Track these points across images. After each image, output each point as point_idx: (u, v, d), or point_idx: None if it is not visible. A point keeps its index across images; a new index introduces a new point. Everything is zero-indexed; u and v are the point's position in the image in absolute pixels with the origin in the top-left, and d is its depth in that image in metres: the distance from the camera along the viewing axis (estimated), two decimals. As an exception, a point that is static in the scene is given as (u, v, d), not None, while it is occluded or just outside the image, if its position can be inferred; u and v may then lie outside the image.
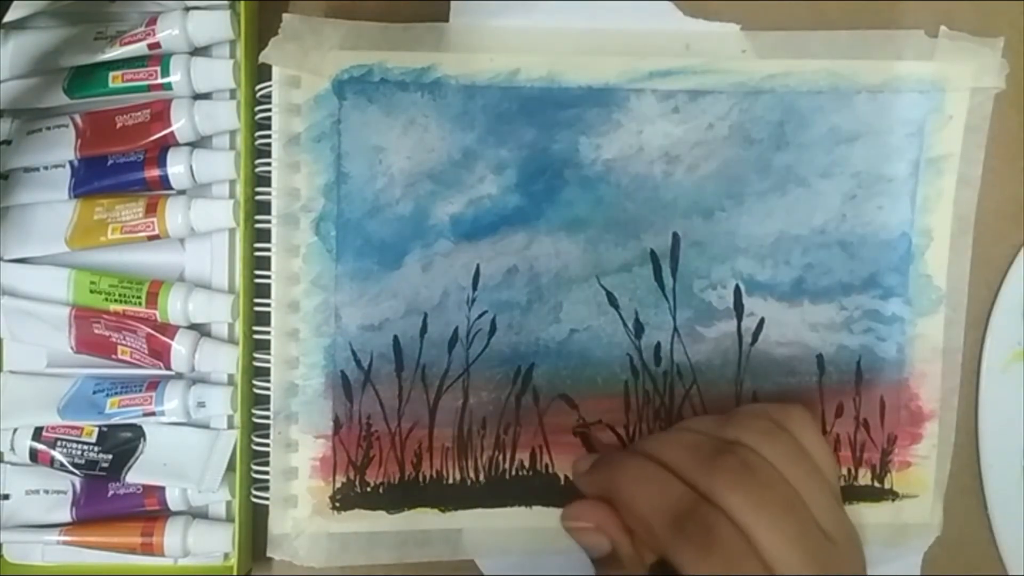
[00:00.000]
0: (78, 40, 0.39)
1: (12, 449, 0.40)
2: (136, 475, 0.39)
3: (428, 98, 0.40)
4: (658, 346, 0.42)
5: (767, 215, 0.42)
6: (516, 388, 0.41)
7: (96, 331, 0.39)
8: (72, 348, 0.39)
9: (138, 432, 0.40)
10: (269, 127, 0.40)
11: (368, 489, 0.41)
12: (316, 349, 0.40)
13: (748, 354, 0.42)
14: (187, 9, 0.39)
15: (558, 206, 0.41)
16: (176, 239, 0.40)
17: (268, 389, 0.40)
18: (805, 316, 0.42)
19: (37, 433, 0.40)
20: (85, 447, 0.40)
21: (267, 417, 0.40)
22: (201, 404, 0.39)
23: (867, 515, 0.43)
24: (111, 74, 0.39)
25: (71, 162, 0.39)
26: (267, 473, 0.40)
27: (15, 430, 0.40)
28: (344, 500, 0.41)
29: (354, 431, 0.41)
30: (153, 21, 0.38)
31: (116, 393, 0.39)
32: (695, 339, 0.42)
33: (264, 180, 0.40)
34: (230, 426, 0.40)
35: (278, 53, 0.39)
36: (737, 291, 0.42)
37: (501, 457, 0.42)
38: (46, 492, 0.40)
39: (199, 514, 0.40)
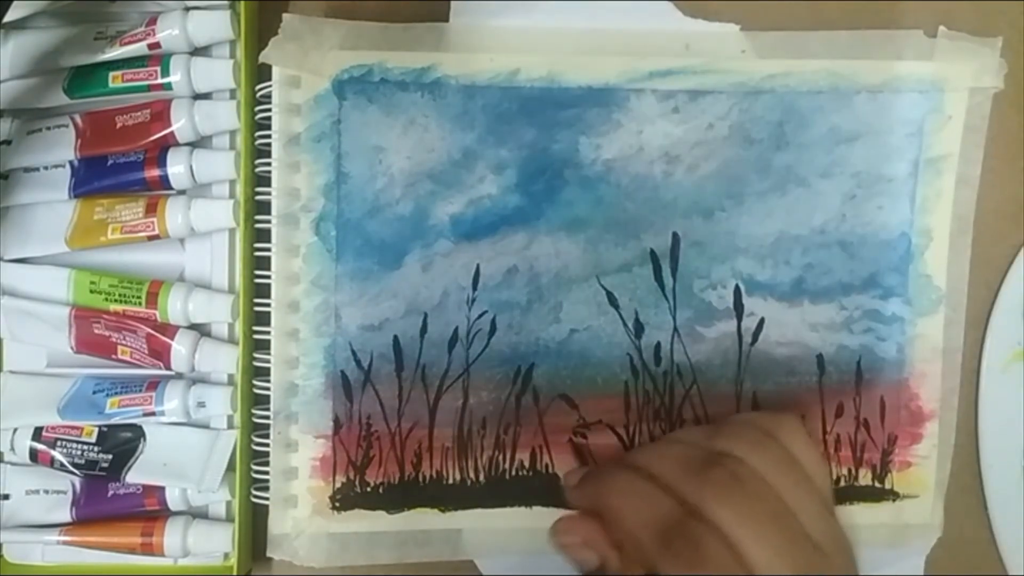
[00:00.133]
0: (78, 40, 0.39)
1: (12, 449, 0.40)
2: (136, 475, 0.39)
3: (428, 98, 0.40)
4: (658, 346, 0.42)
5: (767, 215, 0.42)
6: (516, 388, 0.41)
7: (96, 331, 0.39)
8: (72, 348, 0.39)
9: (138, 432, 0.40)
10: (269, 127, 0.40)
11: (368, 489, 0.41)
12: (316, 349, 0.40)
13: (748, 354, 0.42)
14: (187, 9, 0.39)
15: (558, 206, 0.41)
16: (176, 239, 0.40)
17: (268, 389, 0.40)
18: (805, 316, 0.42)
19: (37, 433, 0.40)
20: (85, 447, 0.40)
21: (267, 417, 0.40)
22: (201, 404, 0.39)
23: (868, 515, 0.43)
24: (111, 74, 0.39)
25: (71, 162, 0.40)
26: (267, 473, 0.40)
27: (15, 430, 0.40)
28: (344, 500, 0.41)
29: (354, 431, 0.41)
30: (153, 21, 0.38)
31: (116, 393, 0.39)
32: (695, 339, 0.42)
33: (264, 180, 0.40)
34: (230, 426, 0.40)
35: (278, 53, 0.39)
36: (737, 291, 0.42)
37: (501, 457, 0.42)
38: (46, 492, 0.40)
39: (199, 514, 0.40)
